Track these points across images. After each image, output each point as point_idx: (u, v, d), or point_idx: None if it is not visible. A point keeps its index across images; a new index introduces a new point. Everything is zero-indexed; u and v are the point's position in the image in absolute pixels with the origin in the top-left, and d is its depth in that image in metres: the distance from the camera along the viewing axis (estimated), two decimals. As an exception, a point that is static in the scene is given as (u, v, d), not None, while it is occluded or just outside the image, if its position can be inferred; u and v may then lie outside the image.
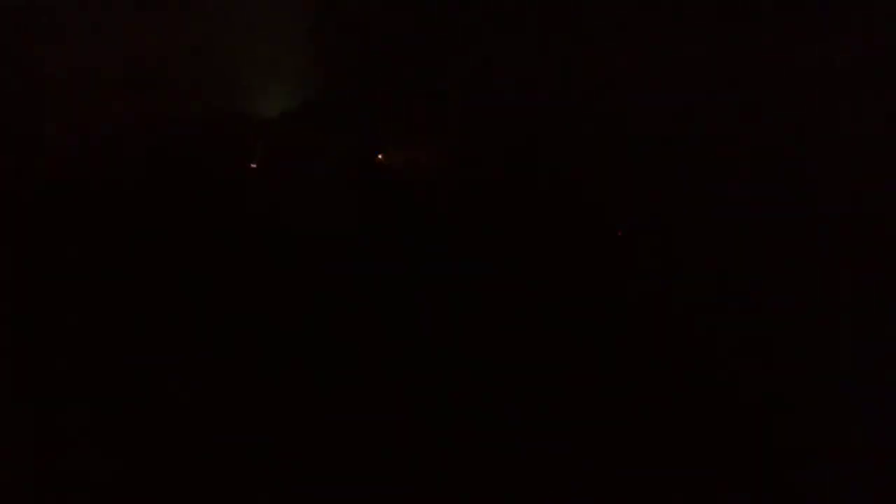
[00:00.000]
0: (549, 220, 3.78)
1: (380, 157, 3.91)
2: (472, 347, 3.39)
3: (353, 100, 3.98)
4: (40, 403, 3.23)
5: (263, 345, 3.42)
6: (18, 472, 3.04)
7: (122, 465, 3.04)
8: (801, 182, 3.47)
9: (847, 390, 3.04)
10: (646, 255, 3.61)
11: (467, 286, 3.56)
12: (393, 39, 3.91)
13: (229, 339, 3.43)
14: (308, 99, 4.02)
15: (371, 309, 3.56)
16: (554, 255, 3.68)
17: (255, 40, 3.93)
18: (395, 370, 3.34)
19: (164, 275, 3.63)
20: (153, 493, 2.98)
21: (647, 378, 3.24)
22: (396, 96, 3.97)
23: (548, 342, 3.39)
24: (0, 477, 3.03)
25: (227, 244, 3.74)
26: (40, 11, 3.88)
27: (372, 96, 3.97)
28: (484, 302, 3.54)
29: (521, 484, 2.96)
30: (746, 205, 3.52)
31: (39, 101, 3.91)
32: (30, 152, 3.90)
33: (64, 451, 3.09)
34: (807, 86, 3.45)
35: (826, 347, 3.17)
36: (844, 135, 3.43)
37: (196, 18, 3.91)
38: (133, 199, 3.81)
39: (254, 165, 3.94)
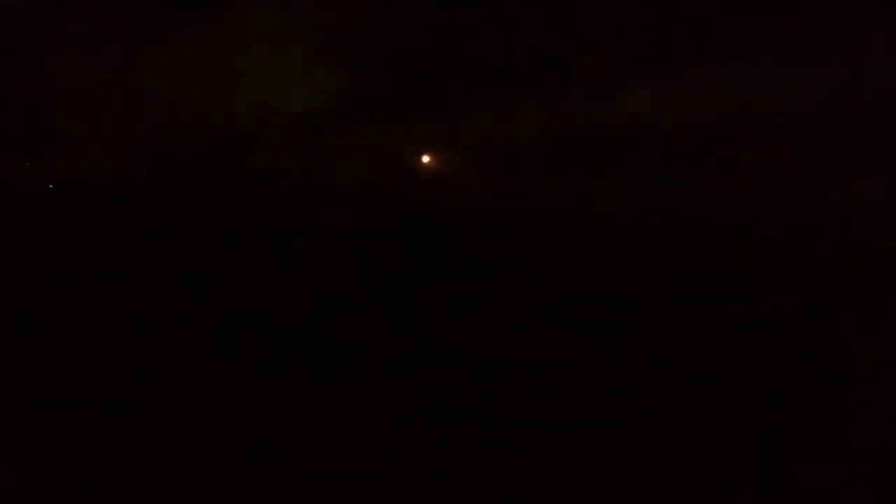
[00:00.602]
0: (546, 219, 3.78)
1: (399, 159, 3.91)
2: (476, 348, 3.39)
3: (353, 98, 3.98)
4: (40, 403, 3.23)
5: (263, 345, 3.42)
6: (18, 472, 3.04)
7: (122, 465, 3.04)
8: (801, 182, 3.47)
9: (847, 390, 3.04)
10: (646, 256, 3.61)
11: (473, 287, 3.57)
12: (411, 43, 3.91)
13: (229, 340, 3.43)
14: (305, 98, 4.03)
15: (369, 308, 3.56)
16: (552, 254, 3.69)
17: (274, 44, 3.92)
18: (395, 370, 3.35)
19: (163, 275, 3.63)
20: (153, 493, 2.98)
21: (647, 378, 3.24)
22: (396, 95, 3.97)
23: (548, 343, 3.39)
24: (0, 477, 3.03)
25: (224, 244, 3.75)
26: (56, 20, 3.88)
27: (372, 95, 3.98)
28: (481, 301, 3.54)
29: (522, 484, 2.96)
30: (746, 205, 3.52)
31: (53, 107, 3.91)
32: (42, 156, 3.90)
33: (64, 451, 3.09)
34: (805, 86, 3.45)
35: (826, 347, 3.17)
36: (844, 135, 3.43)
37: (213, 24, 3.90)
38: (146, 202, 3.82)
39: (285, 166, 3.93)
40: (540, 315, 3.50)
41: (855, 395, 3.02)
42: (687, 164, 3.64)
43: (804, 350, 3.19)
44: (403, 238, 3.81)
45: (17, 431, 3.17)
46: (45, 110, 3.94)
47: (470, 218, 3.89)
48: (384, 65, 3.94)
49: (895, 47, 3.33)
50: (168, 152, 3.97)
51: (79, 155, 3.92)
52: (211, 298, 3.59)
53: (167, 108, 3.95)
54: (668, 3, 3.62)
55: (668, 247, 3.60)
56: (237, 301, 3.59)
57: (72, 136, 3.93)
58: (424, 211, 3.93)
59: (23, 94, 3.93)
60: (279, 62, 3.96)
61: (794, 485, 2.86)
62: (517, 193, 3.90)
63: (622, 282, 3.58)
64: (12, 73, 3.91)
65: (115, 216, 3.85)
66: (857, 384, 3.05)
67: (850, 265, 3.31)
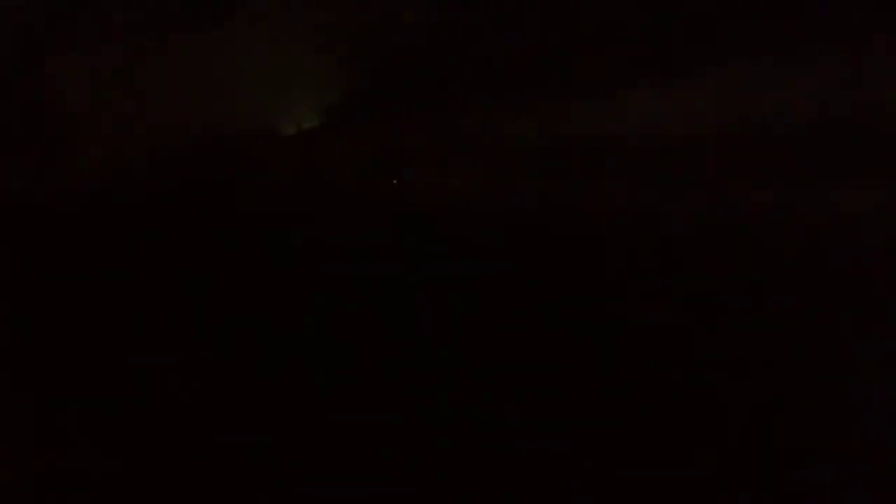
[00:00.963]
0: (546, 220, 3.78)
1: (395, 182, 3.92)
2: (472, 348, 3.39)
3: (352, 99, 3.99)
4: (40, 403, 3.23)
5: (263, 345, 3.42)
6: (18, 472, 3.04)
7: (122, 465, 3.04)
8: (803, 184, 3.46)
9: (847, 390, 3.04)
10: (645, 256, 3.61)
11: (466, 286, 3.57)
12: (393, 37, 3.91)
13: (229, 340, 3.44)
14: (305, 98, 4.03)
15: (369, 308, 3.56)
16: (552, 254, 3.68)
17: (274, 52, 3.92)
18: (395, 370, 3.34)
19: (163, 275, 3.63)
20: (153, 493, 2.98)
21: (646, 378, 3.24)
22: (396, 95, 3.97)
23: (548, 343, 3.39)
24: (0, 477, 3.03)
25: (224, 244, 3.75)
26: (60, 23, 3.87)
27: (371, 95, 3.98)
28: (482, 302, 3.54)
29: (522, 484, 2.96)
30: (747, 207, 3.52)
31: (56, 109, 3.91)
32: (44, 158, 3.90)
33: (64, 451, 3.09)
34: (806, 87, 3.45)
35: (826, 350, 3.16)
36: (846, 136, 3.43)
37: (216, 27, 3.90)
38: (128, 200, 3.82)
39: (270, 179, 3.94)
40: (540, 316, 3.50)
41: (855, 397, 3.02)
42: (688, 166, 3.63)
43: (804, 353, 3.19)
44: (403, 239, 3.81)
45: (17, 431, 3.17)
46: (47, 112, 3.94)
47: (470, 219, 3.89)
48: (384, 65, 3.94)
49: (895, 47, 3.33)
50: (169, 154, 3.97)
51: (81, 157, 3.92)
52: (210, 299, 3.59)
53: (169, 109, 3.95)
54: (670, 4, 3.62)
55: (669, 249, 3.60)
56: (237, 301, 3.59)
57: (74, 139, 3.93)
58: (424, 212, 3.93)
59: (24, 96, 3.93)
60: (281, 64, 3.96)
61: (795, 485, 2.86)
62: (517, 195, 3.90)
63: (622, 284, 3.58)
64: (14, 75, 3.91)
65: (117, 217, 3.85)
66: (857, 387, 3.05)
67: (851, 268, 3.31)
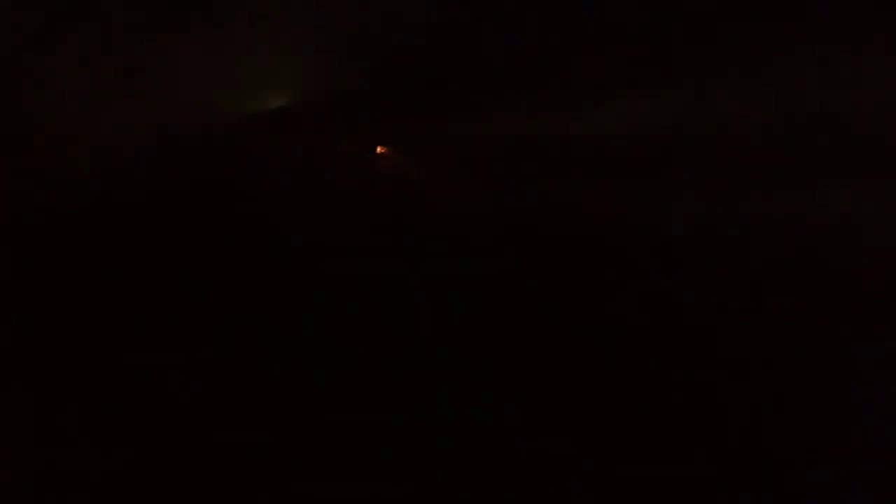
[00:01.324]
0: (546, 220, 3.78)
1: (379, 150, 3.91)
2: (472, 348, 3.39)
3: (353, 99, 3.98)
4: (40, 403, 3.23)
5: (263, 345, 3.42)
6: (18, 472, 3.04)
7: (122, 465, 3.04)
8: (802, 186, 3.47)
9: (847, 390, 3.04)
10: (646, 256, 3.61)
11: (466, 286, 3.57)
12: (393, 37, 3.90)
13: (229, 340, 3.44)
14: (306, 98, 4.02)
15: (369, 308, 3.56)
16: (552, 255, 3.68)
17: (274, 51, 3.91)
18: (395, 370, 3.35)
19: (163, 275, 3.63)
20: (153, 493, 2.98)
21: (646, 378, 3.24)
22: (396, 95, 3.97)
23: (548, 343, 3.39)
24: (0, 477, 3.03)
25: (224, 244, 3.75)
26: (60, 23, 3.86)
27: (371, 95, 3.97)
28: (481, 302, 3.54)
29: (522, 484, 2.96)
30: (746, 209, 3.52)
31: (52, 108, 3.90)
32: (33, 154, 3.90)
33: (64, 451, 3.09)
34: (803, 85, 3.45)
35: (826, 348, 3.17)
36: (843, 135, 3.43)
37: (213, 27, 3.88)
38: (128, 200, 3.82)
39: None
40: (539, 316, 3.50)
41: (855, 397, 3.02)
42: (688, 166, 3.64)
43: (804, 352, 3.19)
44: (403, 239, 3.81)
45: (17, 431, 3.17)
46: (47, 112, 3.94)
47: (470, 219, 3.89)
48: (384, 65, 3.94)
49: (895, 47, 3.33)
50: (169, 154, 3.97)
51: (81, 157, 3.92)
52: (210, 299, 3.59)
53: (169, 110, 3.95)
54: (670, 4, 3.62)
55: (669, 249, 3.60)
56: (237, 301, 3.59)
57: (74, 139, 3.93)
58: (424, 212, 3.94)
59: (24, 96, 3.93)
60: (281, 64, 3.96)
61: (795, 485, 2.86)
62: (517, 195, 3.90)
63: (622, 284, 3.58)
64: (14, 75, 3.91)
65: (117, 217, 3.85)
66: (857, 387, 3.05)
67: (851, 268, 3.31)
